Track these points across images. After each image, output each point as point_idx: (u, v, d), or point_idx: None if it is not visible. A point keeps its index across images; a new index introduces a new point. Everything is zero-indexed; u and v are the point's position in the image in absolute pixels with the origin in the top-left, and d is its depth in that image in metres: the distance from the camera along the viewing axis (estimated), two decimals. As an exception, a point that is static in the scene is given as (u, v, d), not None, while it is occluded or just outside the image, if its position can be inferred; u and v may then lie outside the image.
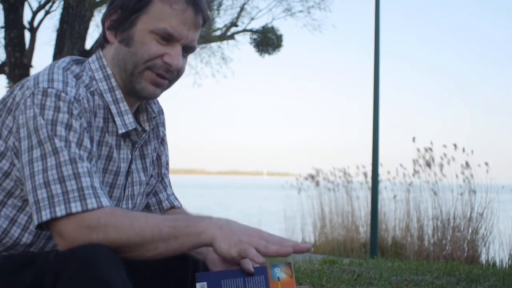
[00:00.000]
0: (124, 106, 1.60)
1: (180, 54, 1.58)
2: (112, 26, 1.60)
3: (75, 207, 1.38)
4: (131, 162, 1.67)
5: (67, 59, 1.61)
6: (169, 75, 1.60)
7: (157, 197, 1.82)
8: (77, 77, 1.56)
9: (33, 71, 10.38)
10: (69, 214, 1.37)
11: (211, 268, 1.63)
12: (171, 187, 1.87)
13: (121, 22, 1.59)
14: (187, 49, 1.61)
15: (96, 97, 1.57)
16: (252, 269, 1.51)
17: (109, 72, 1.61)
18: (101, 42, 1.65)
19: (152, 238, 1.40)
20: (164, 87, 1.62)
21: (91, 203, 1.39)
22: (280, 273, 1.50)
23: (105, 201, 1.41)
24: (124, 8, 1.58)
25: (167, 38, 1.56)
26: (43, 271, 1.38)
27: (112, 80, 1.60)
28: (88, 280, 1.29)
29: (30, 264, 1.43)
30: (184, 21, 1.57)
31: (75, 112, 1.47)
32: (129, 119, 1.61)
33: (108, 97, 1.59)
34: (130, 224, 1.39)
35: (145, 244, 1.41)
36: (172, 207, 1.83)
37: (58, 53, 9.99)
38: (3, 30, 10.37)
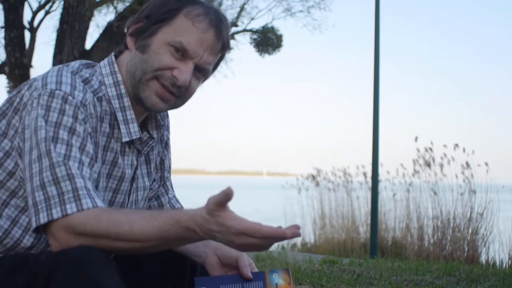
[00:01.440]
0: (130, 114, 1.60)
1: (190, 71, 1.57)
2: (134, 33, 1.61)
3: (71, 208, 1.37)
4: (136, 168, 1.66)
5: (77, 63, 1.61)
6: (176, 90, 1.58)
7: (158, 201, 1.82)
8: (86, 81, 1.56)
9: (33, 71, 10.38)
10: (64, 216, 1.37)
11: (209, 272, 1.64)
12: (172, 190, 1.87)
13: (143, 30, 1.59)
14: (200, 70, 1.60)
15: (104, 103, 1.57)
16: (250, 274, 1.51)
17: (119, 78, 1.60)
18: (121, 48, 1.66)
19: (140, 247, 1.39)
20: (170, 103, 1.60)
21: (86, 203, 1.38)
22: (278, 279, 1.51)
23: (99, 201, 1.41)
24: (149, 18, 1.59)
25: (182, 53, 1.56)
26: (36, 272, 1.38)
27: (122, 86, 1.60)
28: (80, 282, 1.29)
29: (23, 266, 1.43)
30: (202, 41, 1.57)
31: (80, 116, 1.47)
32: (134, 128, 1.60)
33: (115, 103, 1.59)
34: (115, 232, 1.37)
35: (134, 249, 1.40)
36: None
37: (58, 53, 9.98)
38: (3, 30, 10.37)
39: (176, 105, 1.63)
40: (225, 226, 1.33)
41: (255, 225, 1.33)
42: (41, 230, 1.41)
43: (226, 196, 1.32)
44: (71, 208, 1.37)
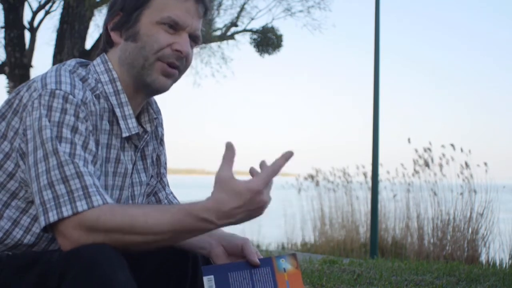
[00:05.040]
0: (128, 110, 1.61)
1: (188, 41, 1.61)
2: (116, 27, 1.62)
3: (81, 205, 1.37)
4: (134, 164, 1.68)
5: (72, 62, 1.62)
6: (180, 63, 1.61)
7: (156, 197, 1.83)
8: (83, 80, 1.57)
9: (33, 71, 10.39)
10: (75, 214, 1.37)
11: (216, 262, 1.66)
12: (169, 187, 1.88)
13: (124, 22, 1.61)
14: (193, 38, 1.64)
15: (102, 100, 1.58)
16: (258, 261, 1.51)
17: (115, 75, 1.62)
18: (104, 47, 1.66)
19: (154, 240, 1.40)
20: (174, 78, 1.63)
21: (96, 200, 1.38)
22: (286, 264, 1.51)
23: (108, 198, 1.41)
24: (125, 9, 1.61)
25: (174, 27, 1.59)
26: (48, 271, 1.38)
27: (118, 83, 1.61)
28: (93, 281, 1.30)
29: (34, 264, 1.43)
30: (187, 9, 1.60)
31: (81, 115, 1.47)
32: (133, 123, 1.61)
33: (113, 100, 1.60)
34: (130, 225, 1.38)
35: (148, 243, 1.41)
36: None
37: (58, 53, 9.99)
38: (3, 30, 10.38)
39: (177, 79, 1.66)
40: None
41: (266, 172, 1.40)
42: (49, 229, 1.41)
43: (230, 151, 1.41)
44: (81, 205, 1.37)
